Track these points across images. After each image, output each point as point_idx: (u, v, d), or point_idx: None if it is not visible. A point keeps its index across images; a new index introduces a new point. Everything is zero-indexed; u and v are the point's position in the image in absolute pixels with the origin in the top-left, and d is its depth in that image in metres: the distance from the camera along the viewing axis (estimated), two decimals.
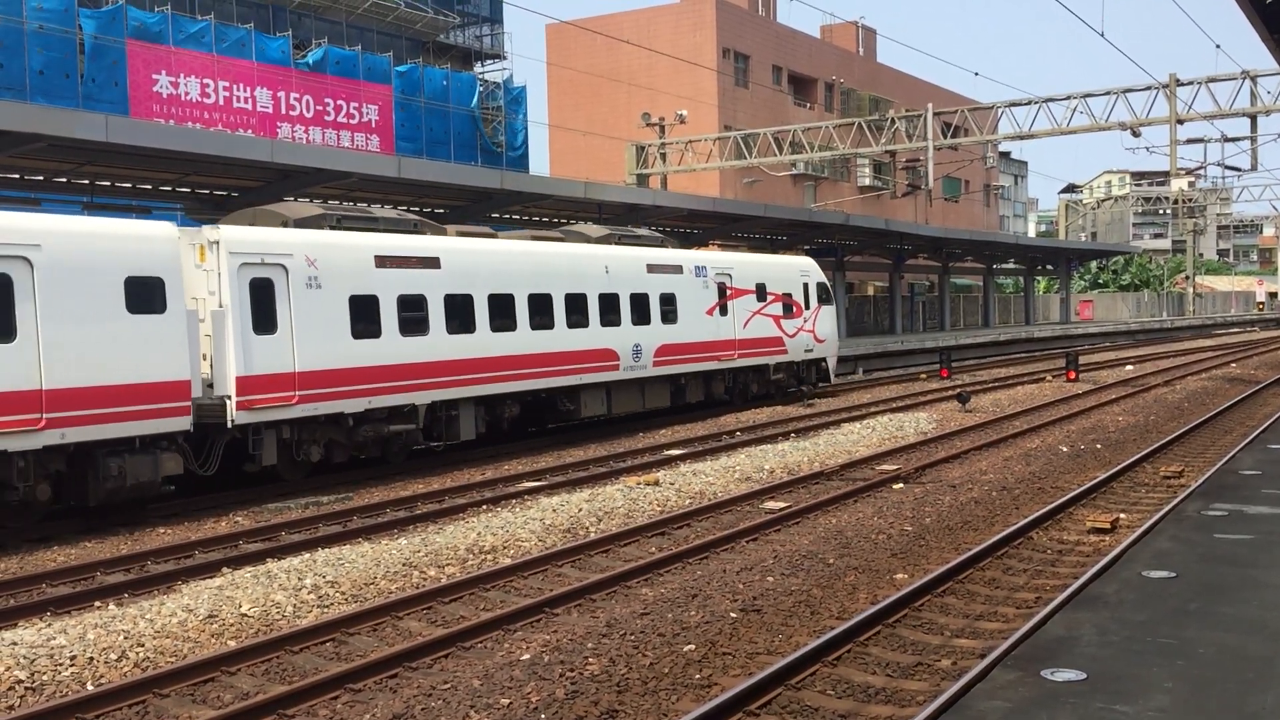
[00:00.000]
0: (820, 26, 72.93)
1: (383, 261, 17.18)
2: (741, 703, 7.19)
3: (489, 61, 52.64)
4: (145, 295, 13.90)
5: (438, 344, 17.90)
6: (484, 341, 18.76)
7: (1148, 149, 42.19)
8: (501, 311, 19.17)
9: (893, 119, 41.39)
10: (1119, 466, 16.31)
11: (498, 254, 19.52)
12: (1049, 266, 72.29)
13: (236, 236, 15.38)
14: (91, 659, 8.44)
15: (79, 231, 13.58)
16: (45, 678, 8.09)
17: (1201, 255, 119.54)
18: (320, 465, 16.86)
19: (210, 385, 15.05)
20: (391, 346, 17.12)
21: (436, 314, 17.93)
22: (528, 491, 15.49)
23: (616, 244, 23.19)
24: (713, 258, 25.66)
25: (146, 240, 14.08)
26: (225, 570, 11.25)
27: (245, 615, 9.59)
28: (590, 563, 11.58)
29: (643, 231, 25.40)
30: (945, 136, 40.76)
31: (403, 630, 9.34)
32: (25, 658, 8.35)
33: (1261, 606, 6.84)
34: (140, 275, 13.85)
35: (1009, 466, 17.15)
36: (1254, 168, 42.18)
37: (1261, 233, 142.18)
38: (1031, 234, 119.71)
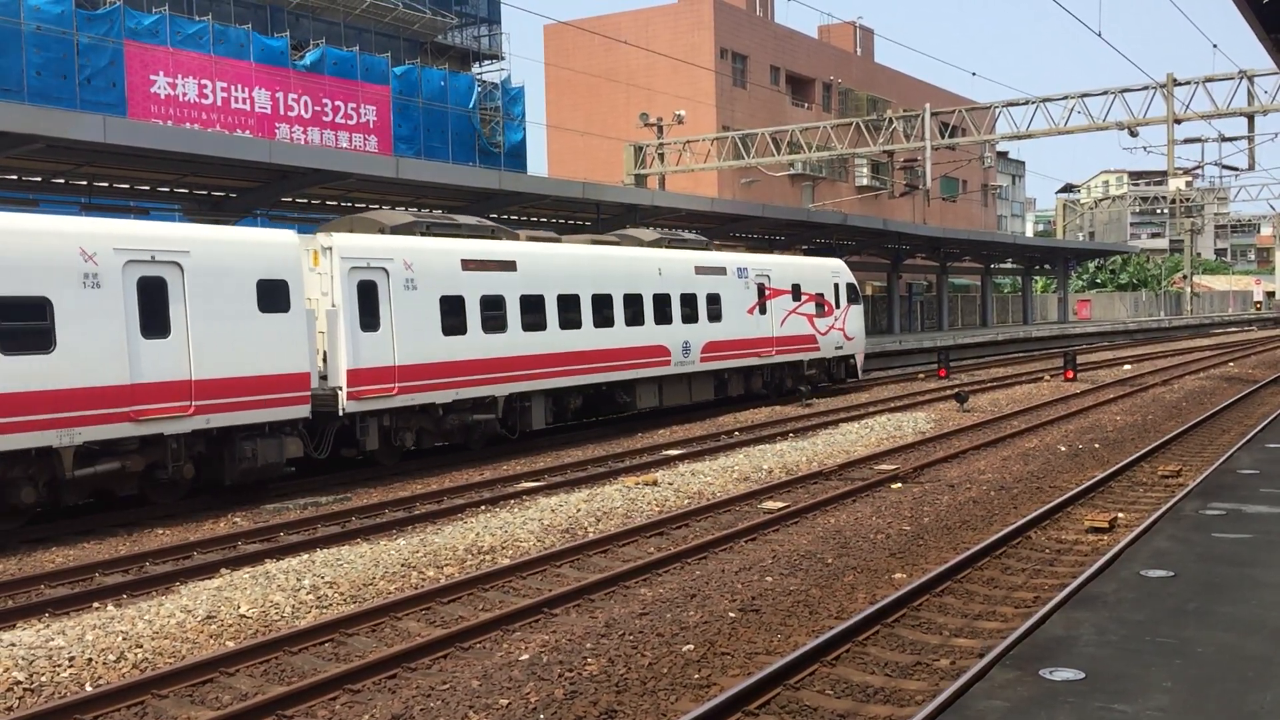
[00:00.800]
0: (818, 27, 72.98)
1: (468, 265, 18.84)
2: (740, 703, 7.19)
3: (487, 62, 52.65)
4: (273, 296, 15.46)
5: (515, 341, 19.55)
6: (554, 338, 20.41)
7: (1145, 149, 42.29)
8: (568, 311, 20.83)
9: (890, 119, 41.41)
10: (1117, 466, 16.32)
11: (565, 257, 21.16)
12: (1047, 266, 72.35)
13: (347, 243, 16.94)
14: (90, 660, 8.44)
15: (220, 239, 15.19)
16: (44, 679, 8.08)
17: (1199, 255, 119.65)
18: (409, 451, 18.39)
19: (324, 377, 16.64)
20: (476, 342, 18.77)
21: (514, 313, 19.55)
22: (526, 492, 15.49)
23: (667, 247, 24.79)
24: (753, 260, 27.01)
25: (274, 246, 15.65)
26: (224, 571, 11.25)
27: (244, 616, 9.58)
28: (589, 563, 11.58)
29: (689, 235, 26.78)
30: (943, 136, 40.78)
31: (401, 631, 9.34)
32: (24, 659, 8.34)
33: (1260, 605, 6.85)
34: (269, 278, 15.43)
35: (1007, 466, 17.16)
36: (1251, 167, 42.05)
37: (1259, 232, 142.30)
38: (1029, 234, 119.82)
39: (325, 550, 12.03)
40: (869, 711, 7.27)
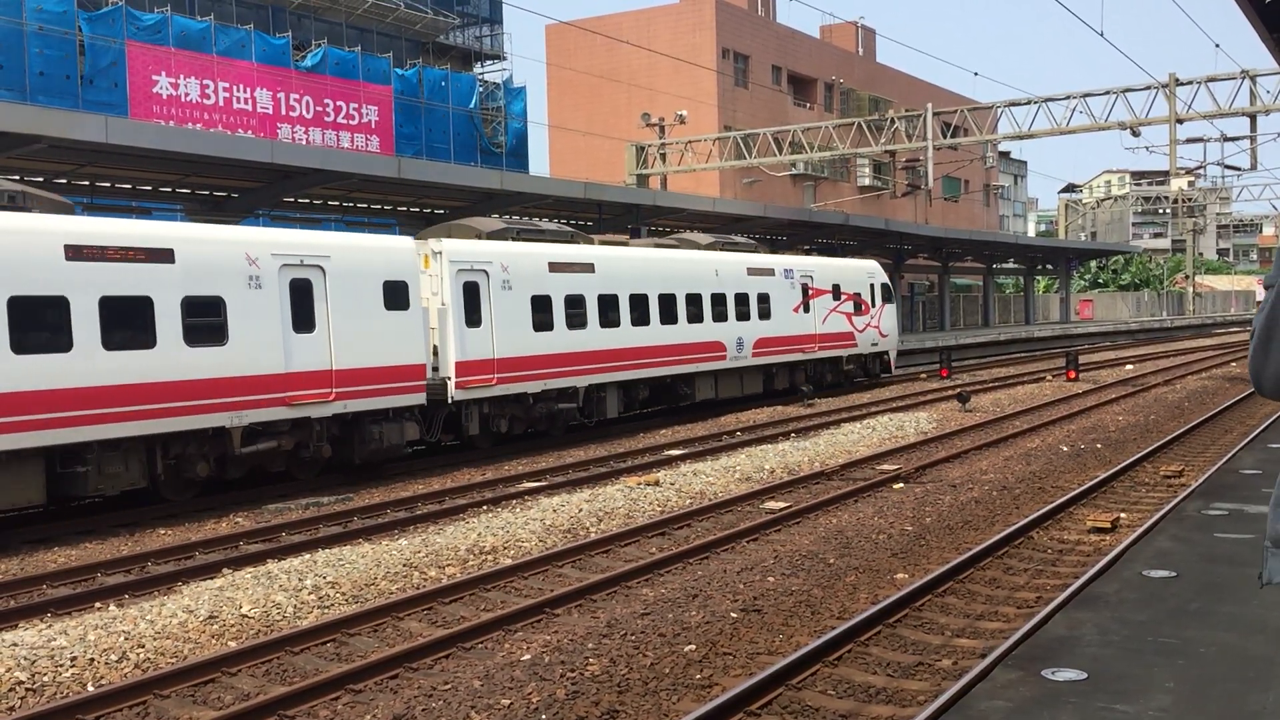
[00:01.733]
0: (820, 27, 72.96)
1: (554, 267, 20.67)
2: (742, 703, 7.19)
3: (489, 62, 52.64)
4: (396, 295, 17.29)
5: (593, 336, 21.42)
6: (626, 335, 22.28)
7: (1147, 148, 42.18)
8: (638, 309, 22.67)
9: (892, 119, 41.39)
10: (1119, 466, 16.31)
11: (636, 260, 23.14)
12: (1049, 266, 72.29)
13: (455, 248, 18.84)
14: (92, 660, 8.44)
15: (354, 245, 17.05)
16: (46, 679, 8.09)
17: (1201, 254, 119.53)
18: (501, 436, 20.13)
19: (435, 369, 18.36)
20: (561, 338, 20.61)
21: (592, 311, 21.46)
22: (528, 492, 15.49)
23: (720, 250, 26.66)
24: (798, 261, 29.00)
25: (396, 251, 17.56)
26: (226, 571, 11.25)
27: (246, 616, 9.59)
28: (591, 563, 11.58)
29: (740, 239, 28.63)
30: (945, 136, 40.75)
31: (403, 631, 9.34)
32: (26, 659, 8.34)
33: (1262, 606, 6.84)
34: (393, 279, 17.25)
35: (1009, 466, 17.14)
36: (1253, 167, 42.12)
37: (1261, 232, 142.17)
38: (1031, 234, 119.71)
39: (327, 550, 12.03)
40: (871, 712, 7.27)
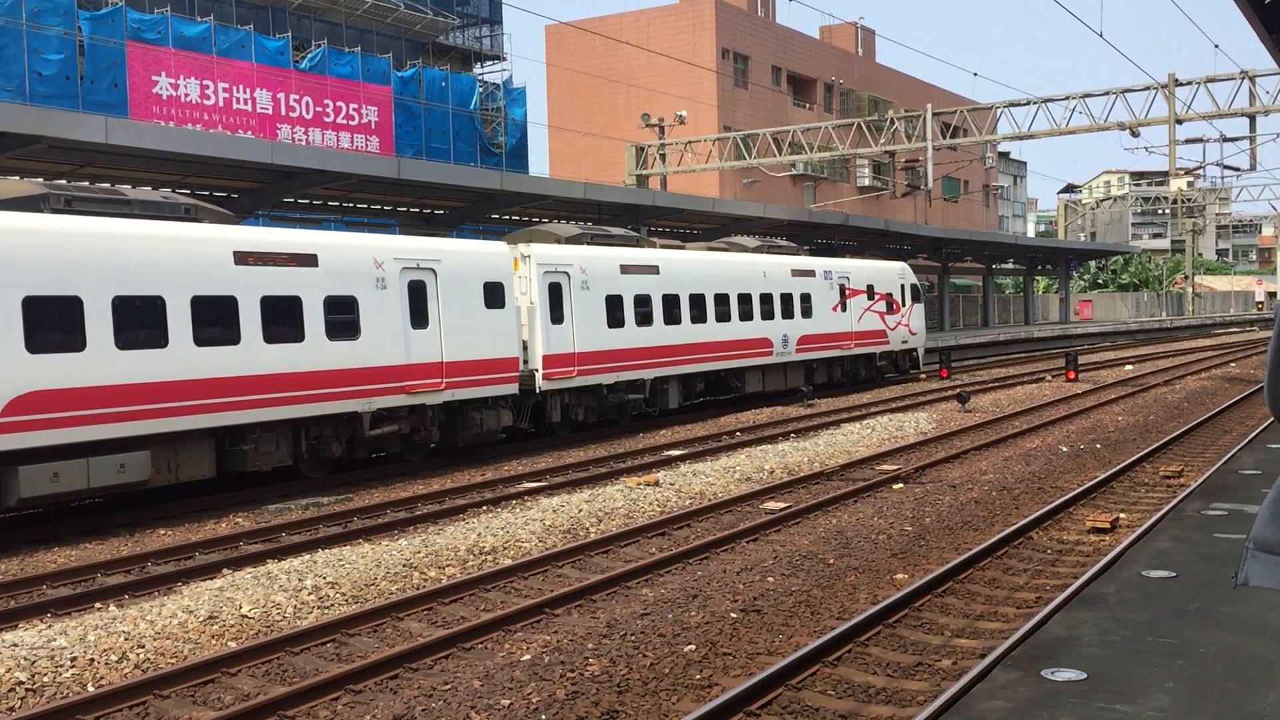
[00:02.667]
0: (819, 27, 72.97)
1: (625, 269, 22.46)
2: (742, 703, 7.19)
3: (488, 63, 52.64)
4: (494, 295, 19.01)
5: (658, 333, 23.15)
6: (686, 331, 23.99)
7: (1147, 149, 42.20)
8: (697, 308, 24.39)
9: (892, 119, 41.39)
10: (1119, 466, 16.31)
11: (695, 262, 24.80)
12: (1048, 266, 72.30)
13: (542, 252, 20.58)
14: (92, 660, 8.44)
15: (459, 250, 19.03)
16: (46, 679, 8.09)
17: (1200, 255, 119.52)
18: (577, 424, 21.88)
19: (525, 362, 20.04)
20: (631, 334, 22.36)
21: (657, 310, 23.17)
22: (528, 492, 15.50)
23: (766, 253, 28.33)
24: (835, 263, 30.76)
25: (494, 255, 19.39)
26: (226, 571, 11.25)
27: (246, 616, 9.59)
28: (590, 563, 11.58)
29: (783, 243, 30.58)
30: (944, 137, 40.76)
31: (403, 631, 9.34)
32: (26, 659, 8.35)
33: (1262, 606, 6.84)
34: (491, 280, 18.97)
35: (1009, 466, 17.15)
36: (1253, 167, 42.17)
37: (1260, 232, 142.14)
38: (1031, 234, 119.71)
39: (327, 550, 12.03)
40: (871, 712, 7.27)
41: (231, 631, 9.26)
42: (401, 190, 26.11)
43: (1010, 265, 70.95)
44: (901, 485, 15.70)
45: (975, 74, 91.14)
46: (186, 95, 36.65)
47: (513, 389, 19.42)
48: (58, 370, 13.14)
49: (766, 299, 26.74)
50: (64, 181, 16.15)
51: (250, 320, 15.20)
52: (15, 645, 8.65)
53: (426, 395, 17.75)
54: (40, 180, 15.17)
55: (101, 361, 13.58)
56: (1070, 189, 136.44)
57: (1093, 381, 31.80)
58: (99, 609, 10.00)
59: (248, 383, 15.09)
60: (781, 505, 14.30)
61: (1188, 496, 11.82)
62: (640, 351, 22.55)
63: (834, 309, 29.53)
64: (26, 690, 7.92)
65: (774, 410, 25.82)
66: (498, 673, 8.06)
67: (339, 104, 41.53)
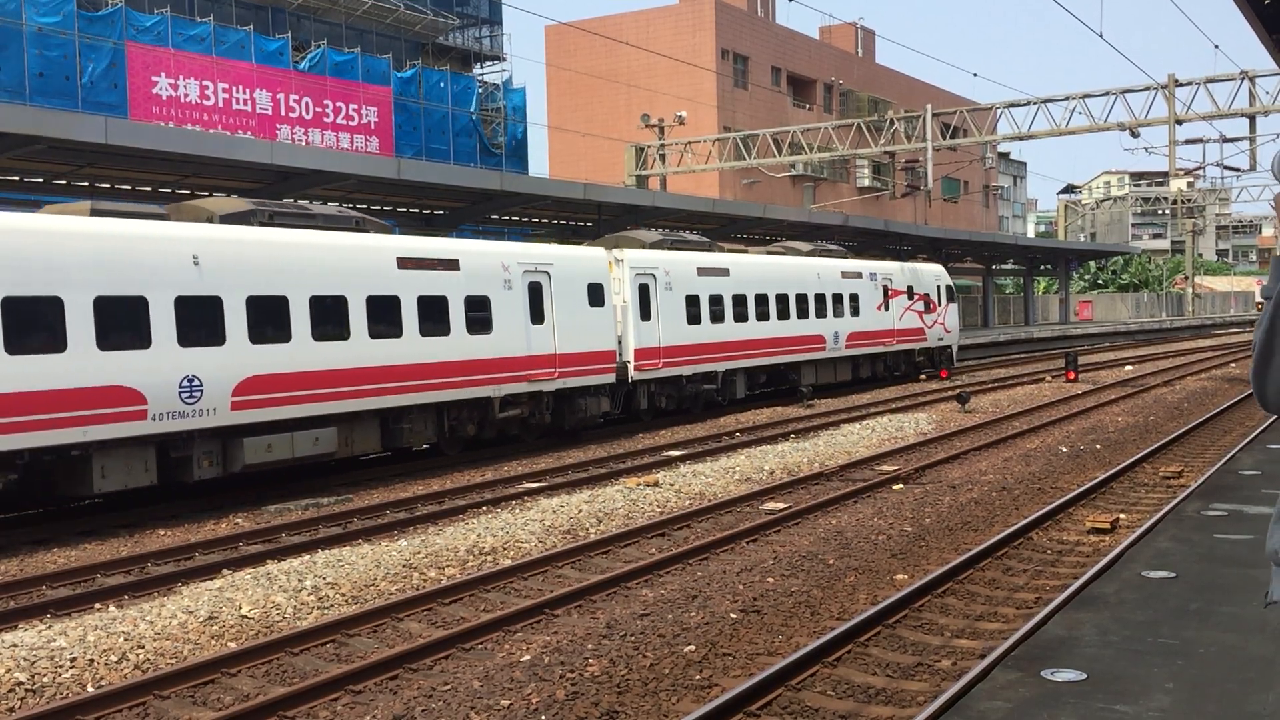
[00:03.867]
0: (819, 28, 72.99)
1: (702, 271, 24.75)
2: (742, 703, 7.19)
3: (488, 63, 52.64)
4: (595, 295, 21.38)
5: (729, 330, 25.38)
6: (752, 328, 26.25)
7: (1146, 149, 42.18)
8: (761, 307, 26.60)
9: (891, 120, 41.40)
10: (1119, 467, 16.31)
11: (759, 265, 27.17)
12: (1048, 267, 72.31)
13: (633, 256, 22.92)
14: (92, 661, 8.44)
15: (568, 255, 21.38)
16: (46, 679, 8.09)
17: (1200, 255, 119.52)
18: (659, 411, 24.04)
19: (618, 354, 22.09)
20: (706, 331, 24.60)
21: (728, 309, 25.39)
22: (527, 493, 15.49)
23: (819, 256, 30.46)
24: (879, 266, 32.89)
25: (595, 259, 21.84)
26: (225, 572, 11.25)
27: (245, 617, 9.59)
28: (590, 564, 11.58)
29: (832, 247, 32.76)
30: (944, 137, 40.76)
31: (403, 631, 9.34)
32: (26, 660, 8.34)
33: (1261, 606, 6.84)
34: (593, 282, 21.38)
35: (1009, 467, 17.15)
36: (1253, 168, 41.99)
37: (1260, 233, 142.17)
38: (1030, 234, 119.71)
39: (327, 551, 12.03)
40: (871, 712, 7.27)
41: (231, 632, 9.25)
42: (401, 191, 26.11)
43: (1010, 266, 70.95)
44: (901, 486, 15.70)
45: (975, 74, 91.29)
46: (186, 95, 36.65)
47: (611, 378, 21.75)
48: (270, 359, 15.50)
49: (820, 299, 28.97)
50: (265, 200, 18.56)
51: (410, 316, 17.60)
52: (15, 645, 8.64)
53: (543, 383, 20.12)
54: (249, 199, 17.37)
55: (302, 351, 15.94)
56: (1070, 189, 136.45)
57: (1093, 382, 31.80)
58: (99, 609, 10.00)
59: (407, 370, 17.50)
60: (781, 506, 14.30)
61: (1188, 497, 11.82)
62: (714, 346, 24.83)
63: (878, 308, 31.71)
64: (26, 691, 7.92)
65: (774, 410, 25.83)
66: (497, 673, 8.06)
67: (339, 104, 41.53)
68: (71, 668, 8.30)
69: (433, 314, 17.96)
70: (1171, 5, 32.73)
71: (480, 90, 47.99)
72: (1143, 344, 57.99)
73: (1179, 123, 35.35)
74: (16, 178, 21.19)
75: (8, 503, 13.85)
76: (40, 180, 21.48)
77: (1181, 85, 35.39)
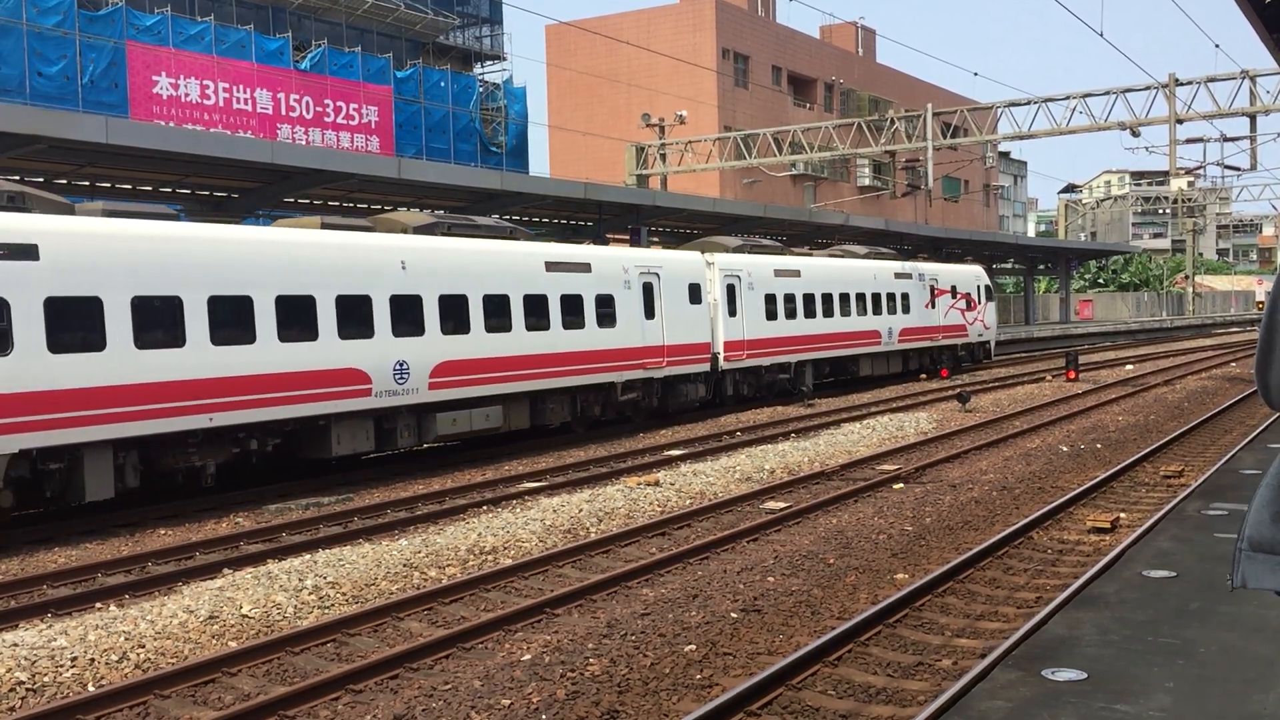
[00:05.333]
0: (820, 27, 72.98)
1: (778, 273, 27.43)
2: (742, 703, 7.19)
3: (489, 62, 52.63)
4: (694, 293, 24.26)
5: (800, 325, 28.09)
6: (819, 324, 28.96)
7: (1147, 149, 42.16)
8: (827, 305, 29.31)
9: (892, 119, 41.38)
10: (1119, 466, 16.30)
11: (826, 267, 29.93)
12: (1048, 266, 72.28)
13: (722, 260, 25.64)
14: (92, 660, 8.44)
15: (673, 258, 24.18)
16: (46, 679, 8.09)
17: (1201, 255, 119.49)
18: (743, 398, 26.61)
19: (710, 346, 24.72)
20: (781, 326, 27.32)
21: (799, 307, 28.03)
22: (528, 492, 15.49)
23: (873, 259, 33.00)
24: (926, 267, 35.71)
25: (694, 263, 24.61)
26: (226, 571, 11.25)
27: (246, 616, 9.59)
28: (591, 563, 11.58)
29: (885, 250, 35.09)
30: (945, 136, 40.74)
31: (404, 631, 9.34)
32: (26, 659, 8.35)
33: (1262, 605, 6.84)
34: (693, 282, 24.27)
35: (1009, 466, 17.15)
36: (1253, 167, 41.98)
37: (1261, 232, 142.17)
38: (1031, 234, 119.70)
39: (327, 550, 12.03)
40: (871, 712, 7.27)
41: (232, 631, 9.26)
42: (402, 190, 26.10)
43: (1010, 265, 70.92)
44: (902, 485, 15.70)
45: (975, 74, 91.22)
46: (186, 95, 36.65)
47: (706, 367, 24.51)
48: (456, 347, 18.31)
49: (876, 298, 31.67)
50: (443, 212, 22.20)
51: (555, 312, 20.35)
52: (15, 645, 8.65)
53: (654, 370, 22.92)
54: (429, 212, 21.02)
55: (478, 341, 18.74)
56: (1070, 189, 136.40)
57: (1093, 381, 31.80)
58: (99, 609, 10.00)
59: (553, 359, 20.19)
60: (782, 505, 14.30)
61: (1188, 496, 11.82)
62: (788, 340, 27.48)
63: (926, 306, 34.52)
64: (27, 690, 7.92)
65: (774, 410, 25.84)
66: (498, 673, 8.06)
67: (339, 104, 41.52)
68: (72, 667, 8.31)
69: (572, 310, 20.75)
70: (1172, 5, 32.73)
71: (480, 90, 47.98)
72: (1143, 343, 57.98)
73: (1179, 122, 35.31)
74: (17, 177, 21.15)
75: (265, 463, 16.66)
76: (41, 180, 21.46)
77: (1182, 84, 35.36)
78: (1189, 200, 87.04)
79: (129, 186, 22.72)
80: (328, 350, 16.27)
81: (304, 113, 40.25)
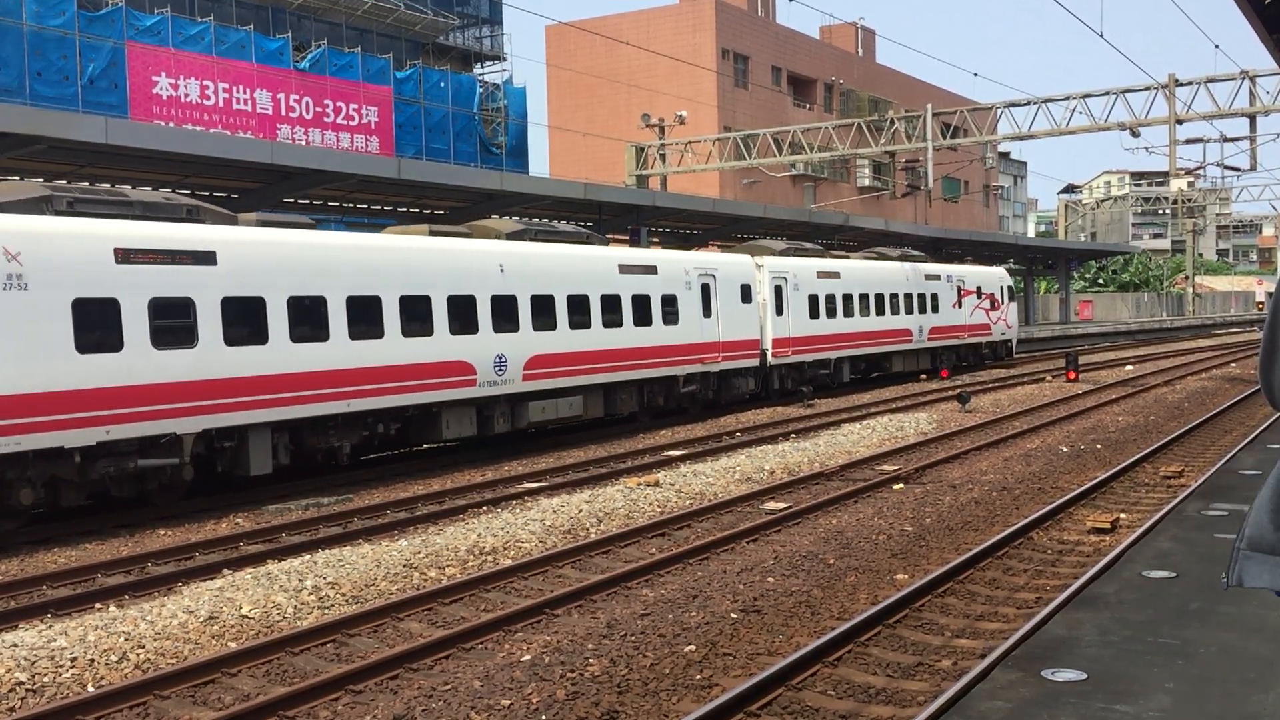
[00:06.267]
0: (819, 27, 72.98)
1: (820, 274, 29.05)
2: (742, 703, 7.19)
3: (489, 63, 52.64)
4: (746, 294, 25.87)
5: (839, 324, 29.73)
6: (856, 323, 30.61)
7: (1147, 149, 42.19)
8: (864, 305, 31.06)
9: (892, 119, 41.38)
10: (1119, 466, 16.30)
11: (863, 268, 31.53)
12: (1048, 266, 72.25)
13: (771, 262, 27.29)
14: (92, 661, 8.44)
15: (727, 261, 25.93)
16: (46, 679, 8.09)
17: (1201, 255, 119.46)
18: (788, 391, 28.19)
19: (760, 343, 26.41)
20: (823, 325, 29.01)
21: (839, 306, 29.73)
22: (528, 492, 15.49)
23: (906, 260, 34.46)
24: (954, 269, 37.37)
25: (745, 265, 26.30)
26: (226, 572, 11.25)
27: (246, 617, 9.59)
28: (591, 564, 11.58)
29: (916, 253, 36.52)
30: (944, 137, 40.74)
31: (403, 631, 9.34)
32: (26, 659, 8.35)
33: (1262, 606, 6.84)
34: (745, 283, 25.90)
35: (1009, 467, 17.15)
36: (1253, 168, 41.99)
37: (1261, 232, 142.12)
38: (1031, 234, 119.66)
39: (327, 551, 12.03)
40: (871, 712, 7.27)
41: (231, 632, 9.26)
42: (401, 190, 26.10)
43: (1010, 265, 70.82)
44: (902, 485, 15.70)
45: (975, 74, 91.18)
46: (186, 95, 36.66)
47: (755, 363, 26.14)
48: (545, 342, 20.00)
49: (908, 298, 33.39)
50: (530, 219, 23.60)
51: (627, 310, 22.05)
52: (15, 645, 8.65)
53: (711, 365, 24.62)
54: (514, 219, 22.13)
55: (563, 337, 20.46)
56: (1070, 189, 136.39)
57: (1093, 382, 31.80)
58: (99, 609, 10.00)
59: (623, 353, 21.94)
60: (782, 505, 14.30)
61: (1188, 497, 11.82)
62: (828, 338, 29.12)
63: (953, 306, 36.16)
64: (27, 690, 7.92)
65: (774, 410, 25.84)
66: (498, 673, 8.06)
67: (339, 104, 41.53)
68: (72, 667, 8.31)
69: (641, 309, 22.44)
70: (1172, 5, 32.74)
71: (480, 90, 47.98)
72: (1143, 344, 57.98)
73: (1179, 122, 35.31)
74: (17, 178, 21.13)
75: (386, 445, 18.57)
76: (41, 180, 21.43)
77: (1182, 85, 35.36)
78: (1189, 201, 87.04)
79: (129, 187, 22.70)
80: (441, 345, 18.01)
81: (304, 113, 40.26)
